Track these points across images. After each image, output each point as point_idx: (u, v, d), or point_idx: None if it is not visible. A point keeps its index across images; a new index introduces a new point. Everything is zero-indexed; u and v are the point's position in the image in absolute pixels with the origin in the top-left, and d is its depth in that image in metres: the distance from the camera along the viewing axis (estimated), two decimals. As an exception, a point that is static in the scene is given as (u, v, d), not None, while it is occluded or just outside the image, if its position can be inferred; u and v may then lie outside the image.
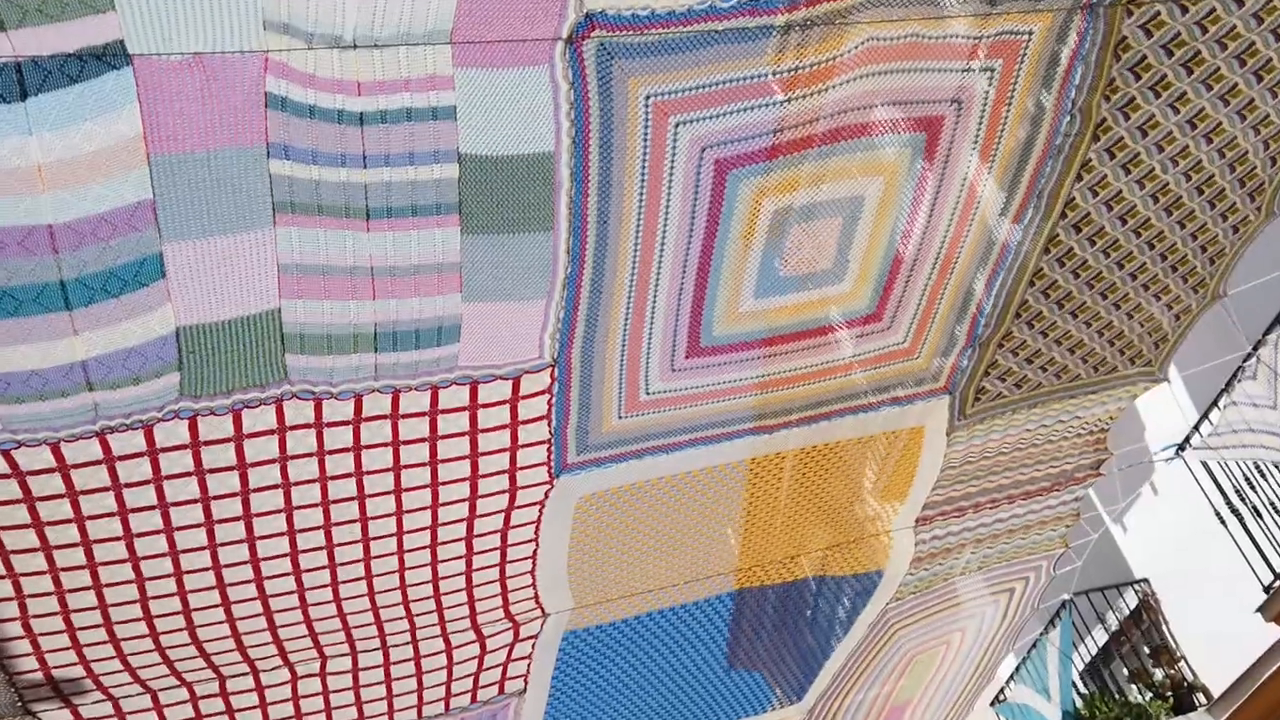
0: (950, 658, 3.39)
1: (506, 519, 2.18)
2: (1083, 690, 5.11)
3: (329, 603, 2.21)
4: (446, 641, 2.51)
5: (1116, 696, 5.02)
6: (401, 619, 2.36)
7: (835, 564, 2.80)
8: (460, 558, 2.22)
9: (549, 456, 2.06)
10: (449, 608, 2.38)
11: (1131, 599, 5.41)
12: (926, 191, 1.86)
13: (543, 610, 2.54)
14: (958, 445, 2.47)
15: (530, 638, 2.61)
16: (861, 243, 1.90)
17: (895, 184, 1.84)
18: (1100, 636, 5.43)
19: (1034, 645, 4.04)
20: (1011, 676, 4.72)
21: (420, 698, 2.64)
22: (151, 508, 1.86)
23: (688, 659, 2.89)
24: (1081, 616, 4.87)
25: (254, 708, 2.48)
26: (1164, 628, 5.23)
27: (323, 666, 2.45)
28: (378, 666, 2.50)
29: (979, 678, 3.60)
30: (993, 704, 4.71)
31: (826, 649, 3.10)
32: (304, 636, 2.31)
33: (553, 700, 2.81)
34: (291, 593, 2.14)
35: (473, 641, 2.54)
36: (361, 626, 2.34)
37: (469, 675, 2.64)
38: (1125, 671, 5.34)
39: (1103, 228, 2.01)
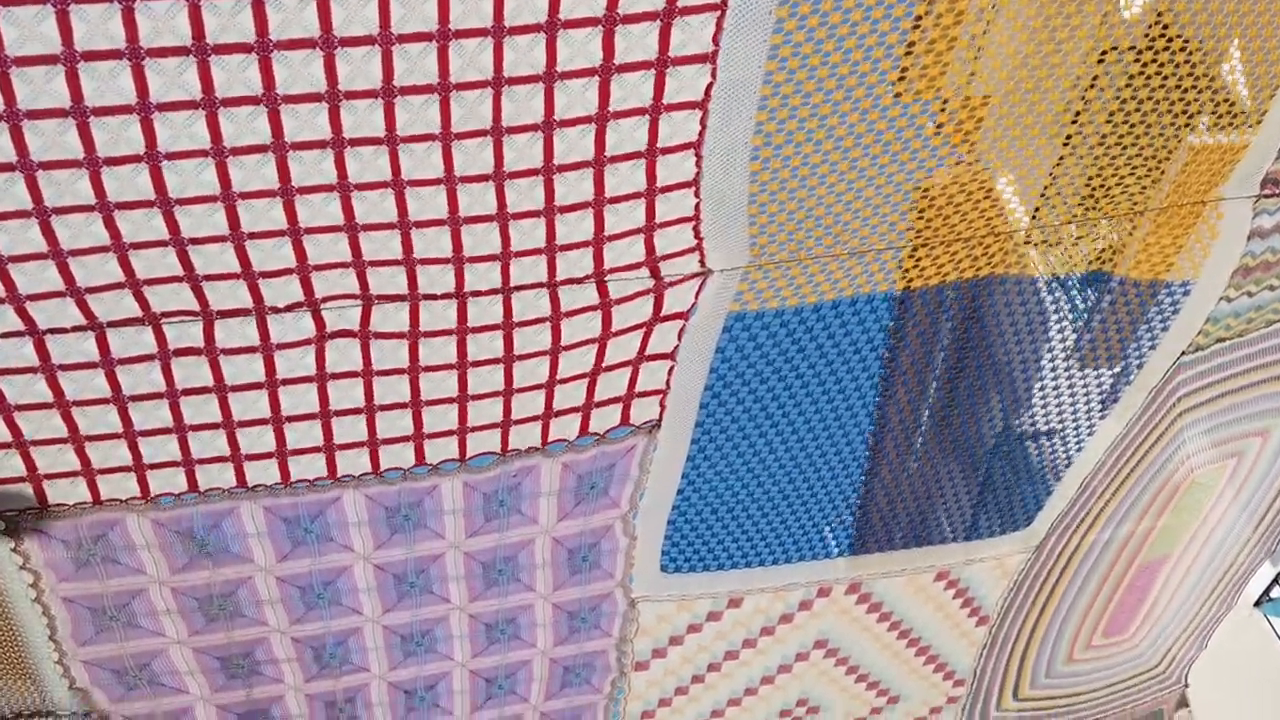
0: (1238, 483, 2.41)
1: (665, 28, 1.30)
2: None
3: (378, 139, 1.33)
4: (553, 300, 1.62)
5: None
6: (490, 228, 1.48)
7: (1102, 254, 1.87)
8: (588, 120, 1.34)
9: None
10: (562, 211, 1.49)
11: None
12: None
13: (703, 261, 1.65)
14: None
15: (677, 316, 1.71)
16: None
17: None
18: None
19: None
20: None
21: (507, 408, 1.74)
22: None
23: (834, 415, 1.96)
24: None
25: (256, 386, 1.61)
26: None
27: (364, 319, 1.58)
28: (446, 333, 1.62)
29: (1266, 534, 2.59)
30: (1258, 604, 3.60)
31: (1078, 431, 2.15)
32: (339, 231, 1.43)
33: (699, 443, 1.89)
34: (324, 142, 1.27)
35: (593, 307, 1.65)
36: (427, 223, 1.46)
37: (580, 377, 1.74)
38: None
39: None
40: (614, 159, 1.45)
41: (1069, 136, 1.70)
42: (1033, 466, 2.20)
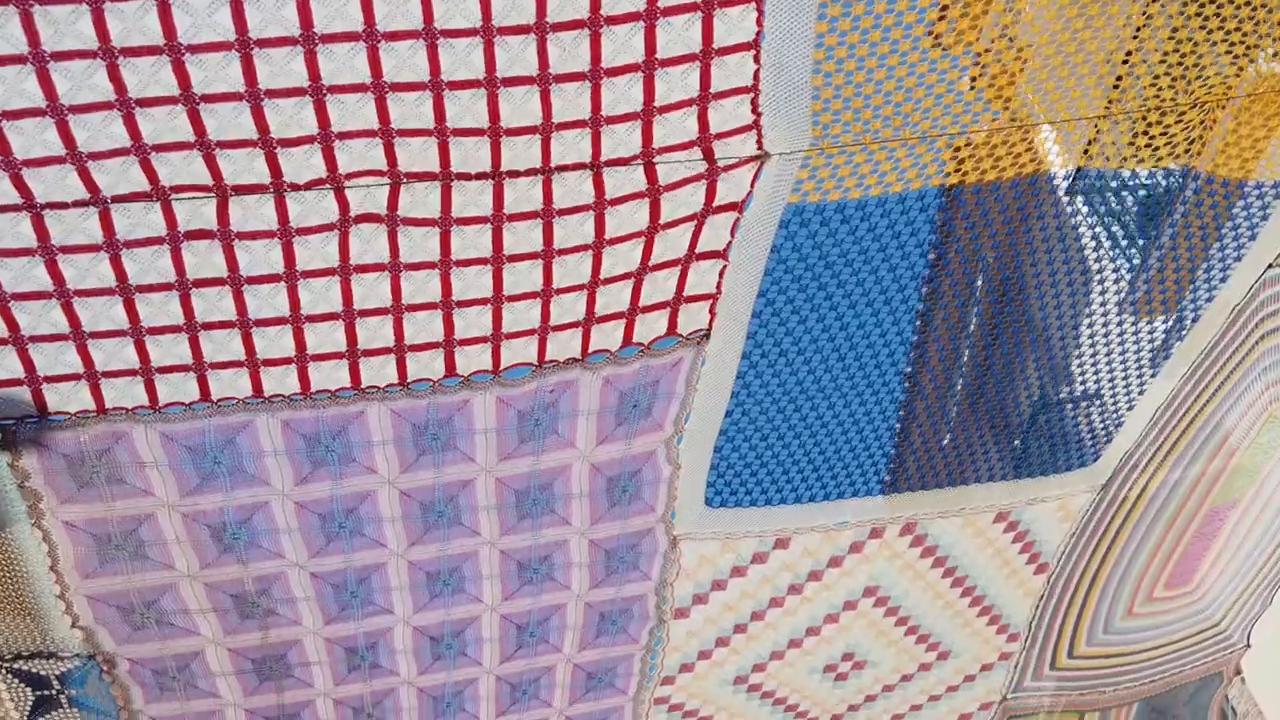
0: (1314, 416, 2.26)
1: None
2: None
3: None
4: (598, 185, 1.48)
5: None
6: (530, 92, 1.34)
7: (1185, 146, 1.73)
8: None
9: None
10: (610, 73, 1.35)
11: None
12: None
13: (761, 142, 1.51)
14: None
15: (730, 207, 1.57)
16: None
17: None
18: None
19: None
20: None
21: (545, 312, 1.60)
22: None
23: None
24: None
25: (274, 278, 1.47)
26: None
27: (392, 201, 1.44)
28: (481, 221, 1.48)
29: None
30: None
31: (1153, 355, 2.00)
32: (364, 91, 1.30)
33: (751, 357, 1.75)
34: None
35: (640, 194, 1.51)
36: (460, 84, 1.32)
37: (624, 277, 1.60)
38: None
39: None
40: (668, 10, 1.31)
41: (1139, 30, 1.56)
42: (1099, 395, 2.05)
